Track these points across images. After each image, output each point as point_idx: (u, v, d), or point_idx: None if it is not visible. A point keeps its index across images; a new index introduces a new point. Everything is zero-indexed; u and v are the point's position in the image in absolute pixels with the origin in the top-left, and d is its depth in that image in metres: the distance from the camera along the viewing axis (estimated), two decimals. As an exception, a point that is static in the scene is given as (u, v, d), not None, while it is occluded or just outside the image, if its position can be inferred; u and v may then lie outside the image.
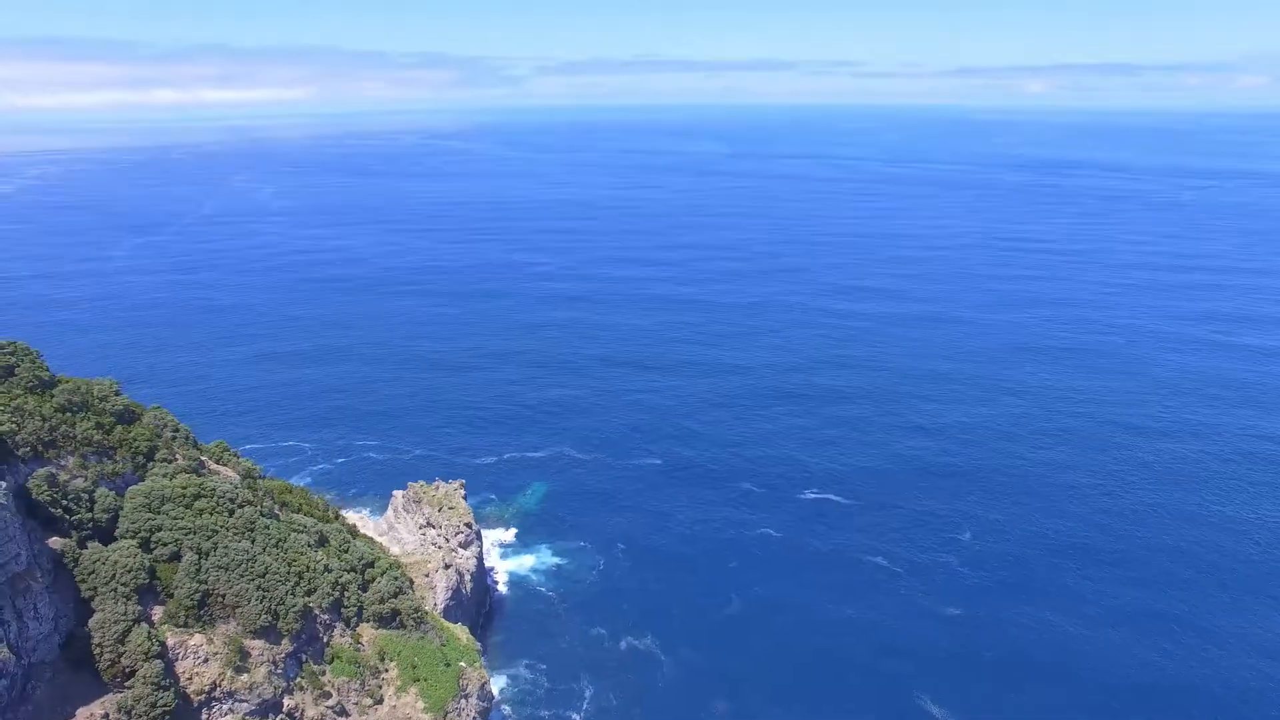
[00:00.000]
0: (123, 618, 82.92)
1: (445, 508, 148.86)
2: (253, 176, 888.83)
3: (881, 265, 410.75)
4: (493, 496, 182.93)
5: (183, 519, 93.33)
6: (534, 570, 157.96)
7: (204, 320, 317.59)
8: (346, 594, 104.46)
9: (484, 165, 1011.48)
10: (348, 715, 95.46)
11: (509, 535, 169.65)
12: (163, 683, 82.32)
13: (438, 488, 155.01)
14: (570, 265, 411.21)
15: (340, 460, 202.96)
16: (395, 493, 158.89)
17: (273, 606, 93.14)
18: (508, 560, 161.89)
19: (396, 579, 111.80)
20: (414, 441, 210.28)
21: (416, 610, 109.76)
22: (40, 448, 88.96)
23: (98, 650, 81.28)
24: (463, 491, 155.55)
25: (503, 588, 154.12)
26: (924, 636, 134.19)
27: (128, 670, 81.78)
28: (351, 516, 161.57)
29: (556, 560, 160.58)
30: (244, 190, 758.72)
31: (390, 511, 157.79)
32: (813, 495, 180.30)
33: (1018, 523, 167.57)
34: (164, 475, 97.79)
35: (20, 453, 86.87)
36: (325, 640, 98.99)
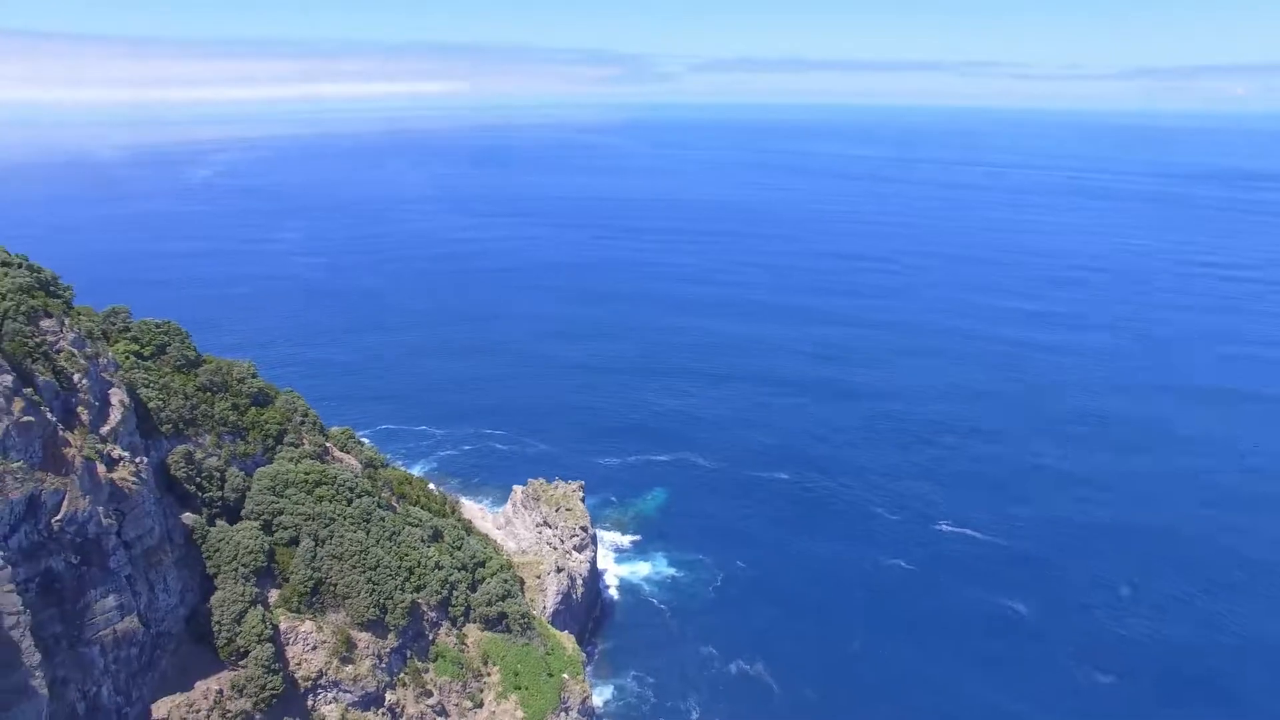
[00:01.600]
0: (240, 598, 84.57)
1: (563, 508, 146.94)
2: (405, 166, 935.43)
3: (1045, 286, 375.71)
4: (612, 499, 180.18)
5: (303, 505, 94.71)
6: (648, 579, 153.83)
7: (349, 303, 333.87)
8: (455, 593, 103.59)
9: (627, 162, 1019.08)
10: (447, 716, 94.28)
11: (626, 540, 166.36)
12: (273, 666, 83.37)
13: (557, 487, 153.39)
14: (706, 268, 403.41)
15: (466, 448, 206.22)
16: (515, 488, 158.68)
17: (381, 600, 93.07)
18: (622, 566, 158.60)
19: (506, 581, 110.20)
20: (539, 436, 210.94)
21: (524, 615, 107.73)
22: (181, 425, 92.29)
23: (216, 627, 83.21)
24: (581, 493, 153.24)
25: (615, 593, 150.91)
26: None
27: (242, 650, 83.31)
28: (471, 506, 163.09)
29: (672, 571, 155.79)
30: (397, 179, 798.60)
31: (509, 506, 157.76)
32: (949, 528, 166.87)
33: (1207, 603, 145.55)
34: (290, 459, 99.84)
35: (163, 429, 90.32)
36: (431, 638, 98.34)
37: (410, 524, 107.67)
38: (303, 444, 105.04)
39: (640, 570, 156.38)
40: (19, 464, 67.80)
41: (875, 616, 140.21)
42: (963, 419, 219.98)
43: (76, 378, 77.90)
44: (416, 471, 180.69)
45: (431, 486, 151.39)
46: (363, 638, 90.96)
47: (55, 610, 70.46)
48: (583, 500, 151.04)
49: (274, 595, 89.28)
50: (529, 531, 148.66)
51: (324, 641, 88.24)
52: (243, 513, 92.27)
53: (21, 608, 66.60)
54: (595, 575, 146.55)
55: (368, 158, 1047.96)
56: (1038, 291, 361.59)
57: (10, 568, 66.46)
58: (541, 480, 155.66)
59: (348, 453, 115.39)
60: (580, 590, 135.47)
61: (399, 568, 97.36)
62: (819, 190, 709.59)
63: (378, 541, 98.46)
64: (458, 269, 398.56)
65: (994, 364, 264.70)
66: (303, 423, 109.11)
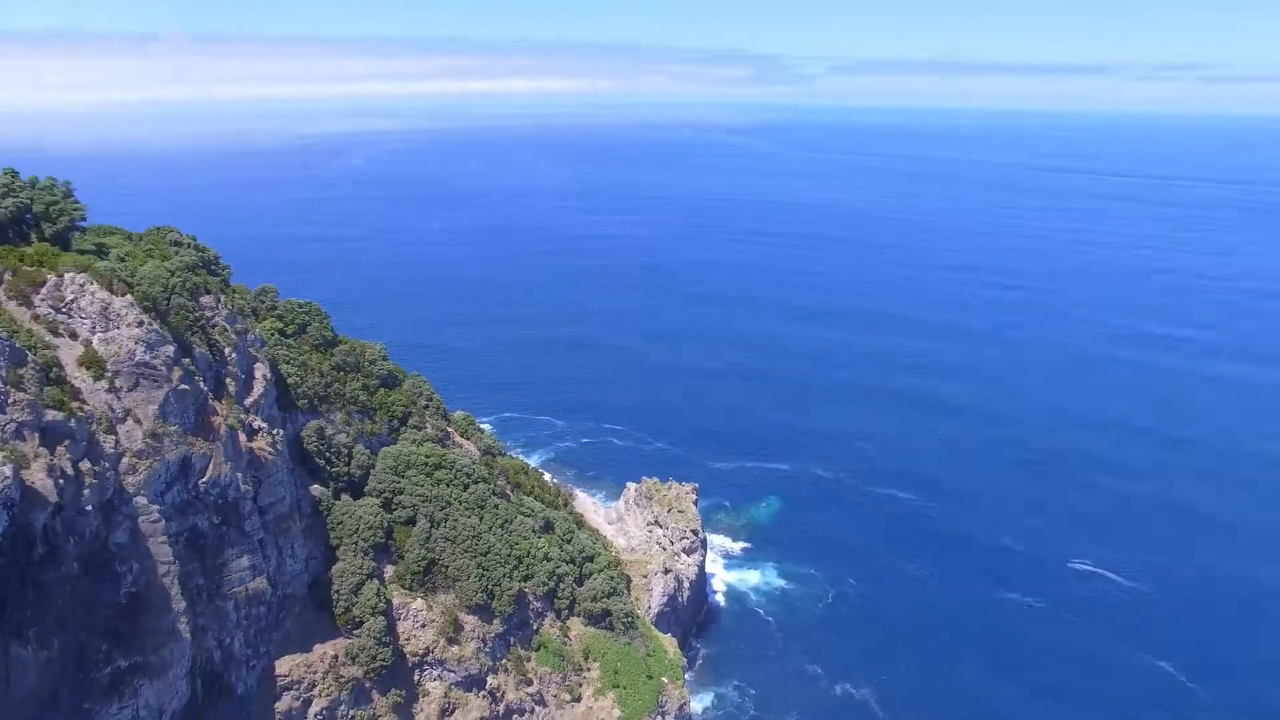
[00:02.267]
0: (359, 571, 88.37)
1: (675, 510, 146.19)
2: (550, 161, 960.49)
3: (1214, 311, 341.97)
4: (725, 503, 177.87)
5: (422, 486, 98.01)
6: (756, 589, 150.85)
7: (480, 293, 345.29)
8: (562, 585, 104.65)
9: (758, 164, 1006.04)
10: (545, 706, 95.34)
11: (736, 547, 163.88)
12: (384, 639, 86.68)
13: (670, 488, 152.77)
14: (832, 276, 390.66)
15: (585, 441, 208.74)
16: (629, 485, 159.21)
17: (489, 586, 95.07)
18: (731, 572, 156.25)
19: (613, 579, 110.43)
20: (657, 435, 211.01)
21: (628, 615, 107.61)
22: (316, 401, 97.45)
23: (335, 596, 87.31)
24: (694, 495, 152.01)
25: (721, 599, 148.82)
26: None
27: (357, 620, 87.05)
28: (584, 499, 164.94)
29: (782, 583, 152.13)
30: (541, 173, 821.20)
31: (621, 502, 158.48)
32: (1085, 568, 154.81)
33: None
34: (413, 441, 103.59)
35: (299, 404, 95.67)
36: (535, 628, 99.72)
37: (523, 513, 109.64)
38: (425, 427, 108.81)
39: (749, 578, 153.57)
40: (175, 428, 73.13)
41: (994, 654, 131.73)
42: (1110, 453, 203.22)
43: (228, 351, 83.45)
44: (534, 461, 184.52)
45: (547, 478, 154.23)
46: (469, 620, 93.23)
47: (198, 564, 75.74)
48: (695, 503, 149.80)
49: (389, 571, 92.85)
50: (639, 530, 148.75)
51: (433, 620, 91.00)
52: (366, 489, 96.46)
53: (172, 559, 71.93)
54: (703, 580, 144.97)
55: (508, 153, 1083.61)
56: (1204, 318, 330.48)
57: (165, 521, 71.91)
58: (655, 480, 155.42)
59: (468, 439, 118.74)
60: (686, 593, 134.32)
61: (509, 555, 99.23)
62: (957, 199, 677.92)
63: (490, 528, 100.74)
64: (588, 265, 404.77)
65: (1151, 395, 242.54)
66: (426, 406, 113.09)
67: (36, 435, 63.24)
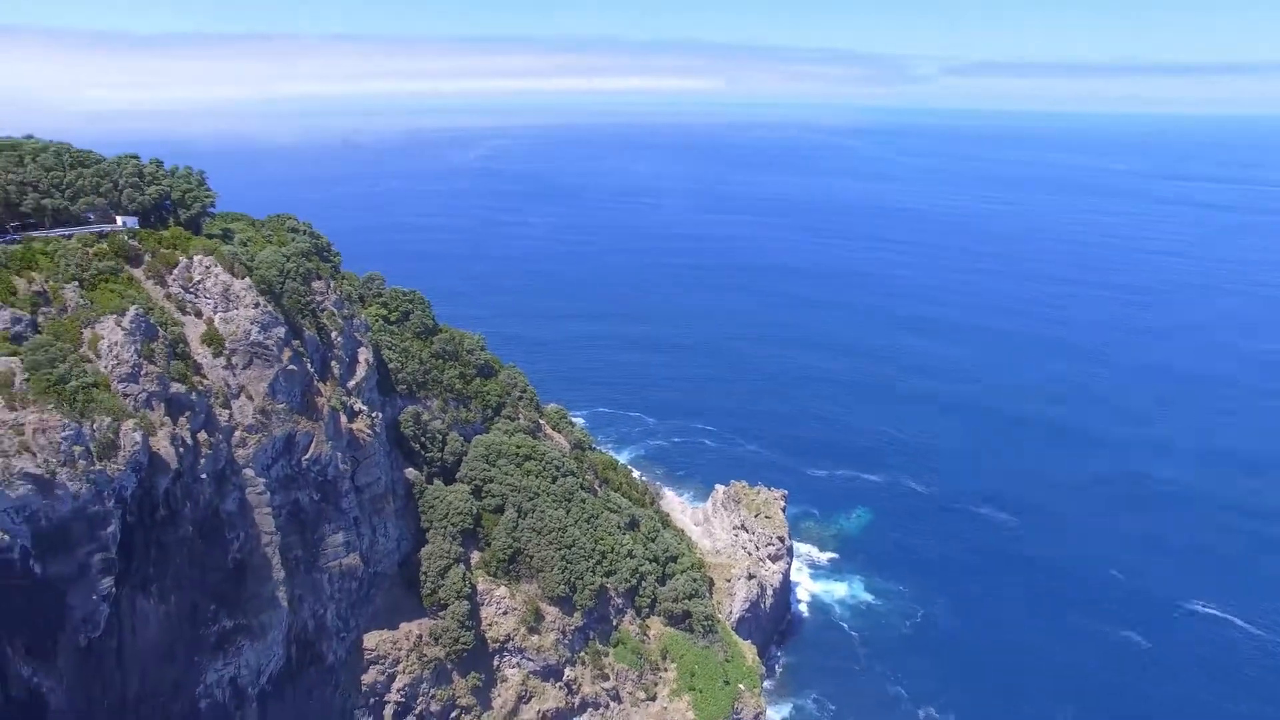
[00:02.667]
0: (446, 555, 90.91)
1: (762, 515, 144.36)
2: (657, 160, 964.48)
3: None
4: (815, 512, 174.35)
5: (512, 476, 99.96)
6: (842, 601, 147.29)
7: (582, 288, 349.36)
8: (644, 584, 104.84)
9: (869, 167, 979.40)
10: (619, 702, 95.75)
11: (823, 557, 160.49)
12: (467, 623, 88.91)
13: (759, 492, 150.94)
14: (941, 286, 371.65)
15: (676, 440, 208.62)
16: (717, 487, 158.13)
17: (572, 579, 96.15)
18: (817, 582, 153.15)
19: (695, 580, 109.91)
20: (750, 438, 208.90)
21: (709, 618, 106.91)
22: (414, 387, 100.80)
23: (423, 577, 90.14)
24: (783, 502, 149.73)
25: (805, 609, 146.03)
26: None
27: (442, 602, 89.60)
28: (672, 497, 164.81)
29: (869, 597, 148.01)
30: (647, 172, 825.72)
31: (709, 504, 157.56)
32: (1205, 609, 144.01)
33: None
34: (505, 432, 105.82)
35: (399, 389, 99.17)
36: (614, 624, 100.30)
37: (609, 509, 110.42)
38: (518, 418, 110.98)
39: (835, 590, 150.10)
40: (283, 406, 77.05)
41: (1095, 694, 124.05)
42: (1234, 489, 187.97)
43: (334, 335, 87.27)
44: (624, 456, 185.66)
45: (635, 474, 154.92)
46: (551, 611, 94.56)
47: (297, 537, 79.64)
48: (783, 509, 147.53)
49: (476, 557, 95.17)
50: (725, 533, 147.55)
51: (515, 609, 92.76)
52: (457, 476, 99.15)
53: (274, 529, 75.90)
54: (787, 588, 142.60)
55: (618, 150, 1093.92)
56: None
57: (269, 494, 75.93)
58: (744, 483, 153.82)
59: (559, 431, 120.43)
60: (769, 601, 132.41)
61: (593, 550, 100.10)
62: (1079, 208, 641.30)
63: (576, 522, 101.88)
64: (690, 265, 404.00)
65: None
66: (520, 398, 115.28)
67: (162, 405, 67.80)
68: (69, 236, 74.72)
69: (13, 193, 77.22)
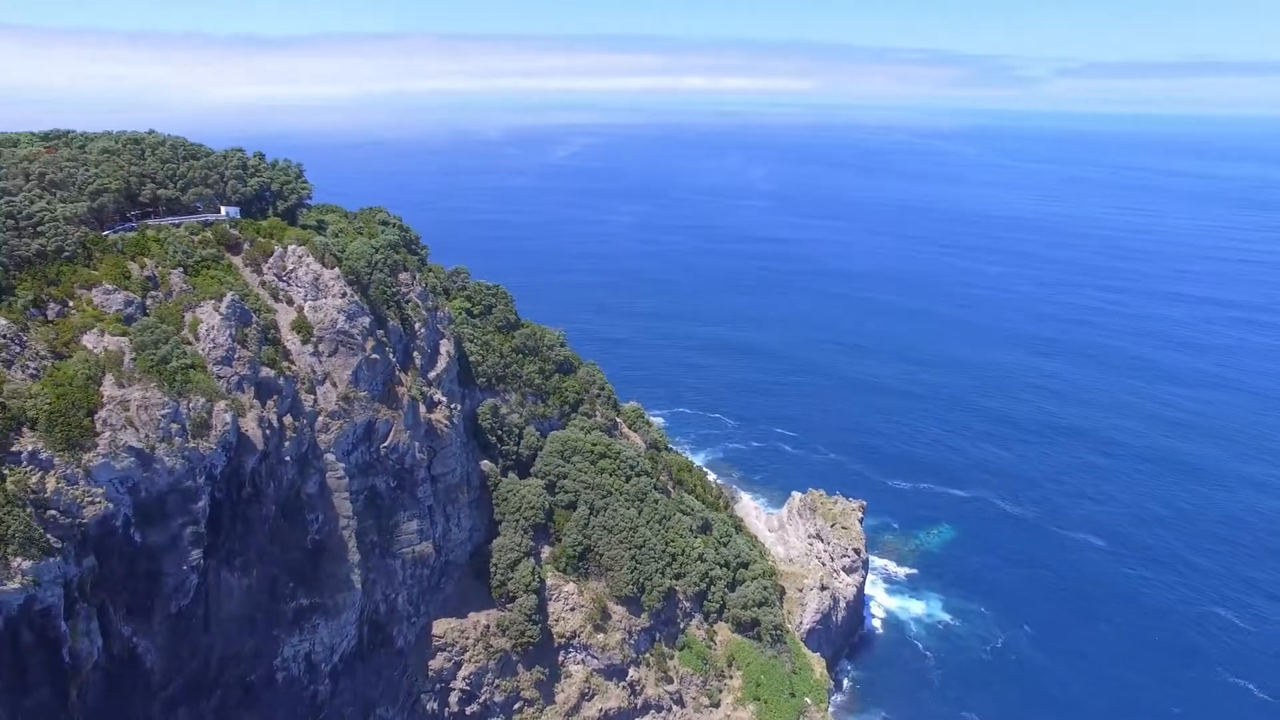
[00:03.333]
0: (517, 548, 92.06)
1: (839, 525, 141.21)
2: (746, 160, 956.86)
3: None
4: (894, 524, 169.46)
5: (585, 473, 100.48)
6: (918, 619, 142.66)
7: (664, 288, 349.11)
8: (713, 588, 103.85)
9: (972, 172, 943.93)
10: (682, 706, 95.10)
11: (900, 572, 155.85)
12: (534, 617, 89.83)
13: (836, 502, 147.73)
14: (1047, 300, 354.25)
15: (755, 444, 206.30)
16: (794, 494, 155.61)
17: (641, 579, 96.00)
18: (893, 598, 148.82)
19: (766, 588, 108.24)
20: (831, 446, 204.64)
21: (778, 628, 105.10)
22: (494, 380, 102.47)
23: (493, 569, 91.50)
24: (861, 513, 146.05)
25: (878, 625, 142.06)
26: None
27: (511, 595, 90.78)
28: (747, 502, 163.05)
29: (946, 617, 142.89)
30: (736, 172, 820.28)
31: (785, 510, 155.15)
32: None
33: None
34: (581, 428, 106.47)
35: (478, 381, 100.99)
36: (681, 627, 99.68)
37: (682, 511, 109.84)
38: (595, 415, 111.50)
39: (911, 607, 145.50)
40: (364, 394, 79.44)
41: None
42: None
43: (418, 326, 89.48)
44: (701, 458, 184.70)
45: (711, 477, 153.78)
46: (618, 611, 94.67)
47: (373, 522, 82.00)
48: (861, 521, 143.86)
49: (546, 552, 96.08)
50: (800, 541, 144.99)
51: (582, 605, 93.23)
52: (532, 470, 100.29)
53: (352, 514, 78.33)
54: (860, 601, 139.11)
55: (708, 150, 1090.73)
56: None
57: (348, 479, 78.42)
58: (821, 492, 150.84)
59: (635, 430, 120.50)
60: (841, 613, 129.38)
61: (663, 552, 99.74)
62: (1201, 219, 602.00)
63: (648, 522, 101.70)
64: (776, 269, 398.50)
65: None
66: (598, 395, 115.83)
67: (252, 389, 70.82)
68: (178, 225, 78.95)
69: (133, 183, 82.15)
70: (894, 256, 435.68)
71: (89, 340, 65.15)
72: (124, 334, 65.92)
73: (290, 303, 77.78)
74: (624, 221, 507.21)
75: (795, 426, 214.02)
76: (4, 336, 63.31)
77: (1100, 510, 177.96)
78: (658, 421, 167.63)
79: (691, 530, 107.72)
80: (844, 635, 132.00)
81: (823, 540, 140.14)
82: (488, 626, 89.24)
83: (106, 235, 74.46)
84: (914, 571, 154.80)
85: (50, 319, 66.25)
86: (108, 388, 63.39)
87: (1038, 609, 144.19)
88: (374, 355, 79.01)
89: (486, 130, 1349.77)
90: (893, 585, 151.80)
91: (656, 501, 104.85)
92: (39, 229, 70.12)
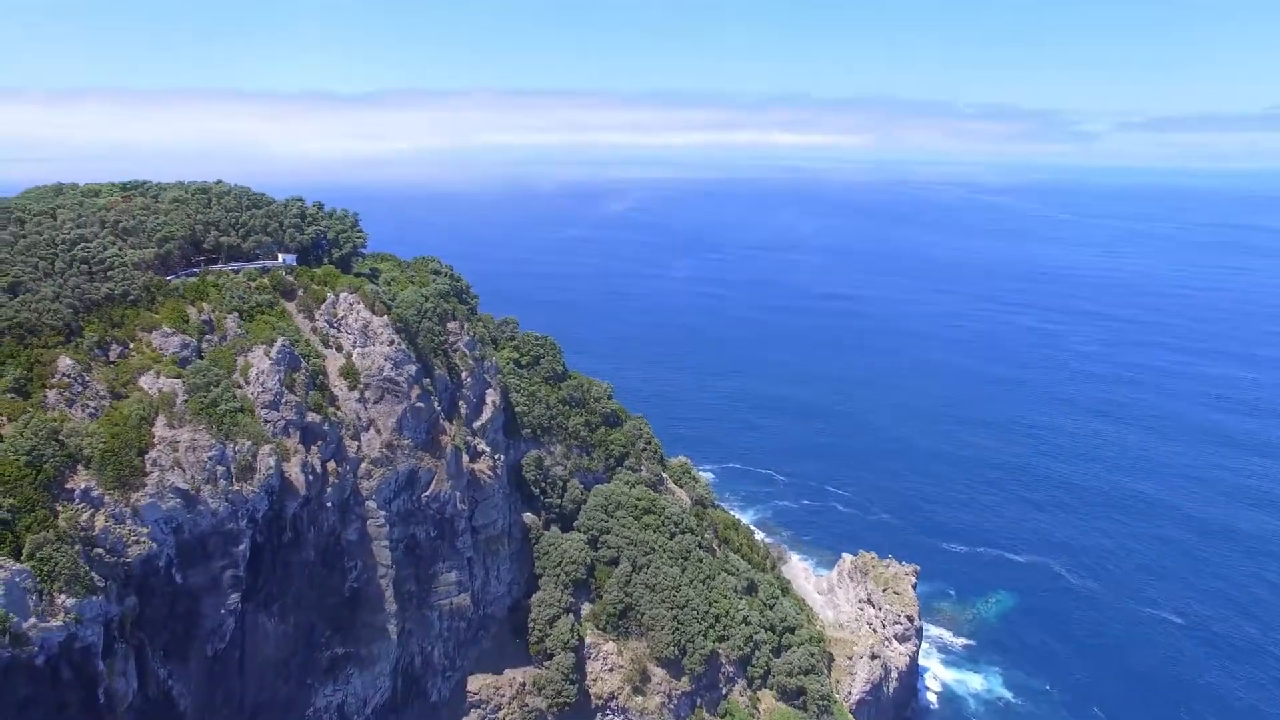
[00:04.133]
0: (556, 604, 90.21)
1: (891, 590, 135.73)
2: (799, 214, 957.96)
3: None
4: (950, 591, 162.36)
5: (629, 529, 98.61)
6: (976, 695, 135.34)
7: (718, 343, 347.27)
8: (758, 653, 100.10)
9: (1028, 225, 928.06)
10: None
11: (957, 642, 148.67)
12: (571, 676, 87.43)
13: (888, 565, 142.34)
14: (1121, 362, 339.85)
15: (806, 502, 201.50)
16: (844, 556, 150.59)
17: (683, 641, 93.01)
18: (949, 670, 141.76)
19: (814, 655, 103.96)
20: (885, 506, 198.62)
21: (825, 697, 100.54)
22: (539, 431, 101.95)
23: (531, 624, 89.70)
24: (914, 578, 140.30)
25: (933, 699, 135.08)
26: None
27: (548, 652, 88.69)
28: (796, 562, 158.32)
29: (1007, 694, 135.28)
30: (790, 226, 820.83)
31: (834, 573, 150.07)
32: None
33: None
34: (626, 483, 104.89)
35: (523, 432, 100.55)
36: (724, 692, 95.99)
37: (727, 571, 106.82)
38: (641, 469, 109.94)
39: (969, 682, 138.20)
40: (408, 441, 79.48)
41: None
42: None
43: (464, 375, 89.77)
44: (750, 516, 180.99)
45: (759, 536, 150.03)
46: (658, 673, 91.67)
47: (411, 572, 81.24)
48: (914, 586, 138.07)
49: (586, 608, 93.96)
50: (850, 606, 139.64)
51: (622, 666, 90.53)
52: (575, 524, 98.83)
53: (390, 562, 77.71)
54: (914, 672, 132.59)
55: (764, 204, 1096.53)
56: None
57: (389, 527, 78.06)
58: (873, 554, 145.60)
59: (681, 486, 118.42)
60: (893, 685, 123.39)
61: (706, 613, 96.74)
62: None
63: (691, 581, 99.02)
64: (831, 325, 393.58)
65: None
66: (644, 449, 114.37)
67: (298, 433, 71.35)
68: (238, 271, 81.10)
69: (199, 230, 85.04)
70: (952, 313, 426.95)
71: (146, 381, 66.62)
72: (178, 376, 67.29)
73: (340, 349, 78.78)
74: (679, 275, 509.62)
75: (848, 485, 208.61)
76: (68, 376, 65.23)
77: (1174, 587, 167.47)
78: (707, 476, 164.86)
79: (736, 591, 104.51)
80: (896, 708, 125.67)
81: (874, 605, 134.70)
82: (524, 684, 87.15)
83: (170, 280, 76.79)
84: (971, 642, 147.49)
85: (112, 360, 68.08)
86: (159, 428, 64.50)
87: (1109, 691, 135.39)
88: (419, 403, 79.23)
89: (543, 183, 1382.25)
90: (949, 656, 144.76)
91: (701, 560, 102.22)
92: (108, 273, 72.66)
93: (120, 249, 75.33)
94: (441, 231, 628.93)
